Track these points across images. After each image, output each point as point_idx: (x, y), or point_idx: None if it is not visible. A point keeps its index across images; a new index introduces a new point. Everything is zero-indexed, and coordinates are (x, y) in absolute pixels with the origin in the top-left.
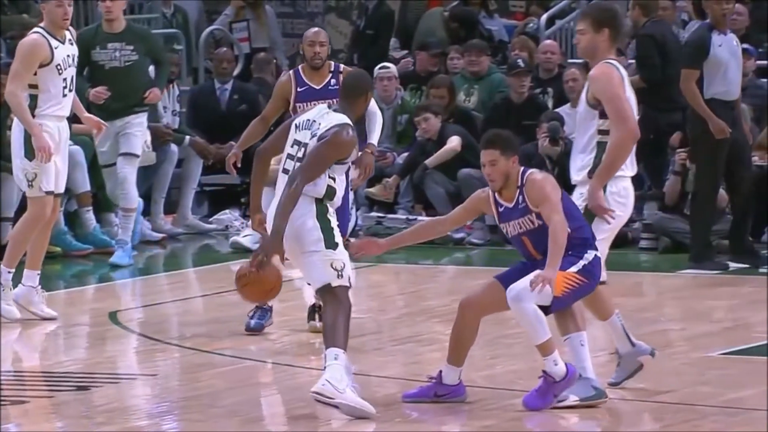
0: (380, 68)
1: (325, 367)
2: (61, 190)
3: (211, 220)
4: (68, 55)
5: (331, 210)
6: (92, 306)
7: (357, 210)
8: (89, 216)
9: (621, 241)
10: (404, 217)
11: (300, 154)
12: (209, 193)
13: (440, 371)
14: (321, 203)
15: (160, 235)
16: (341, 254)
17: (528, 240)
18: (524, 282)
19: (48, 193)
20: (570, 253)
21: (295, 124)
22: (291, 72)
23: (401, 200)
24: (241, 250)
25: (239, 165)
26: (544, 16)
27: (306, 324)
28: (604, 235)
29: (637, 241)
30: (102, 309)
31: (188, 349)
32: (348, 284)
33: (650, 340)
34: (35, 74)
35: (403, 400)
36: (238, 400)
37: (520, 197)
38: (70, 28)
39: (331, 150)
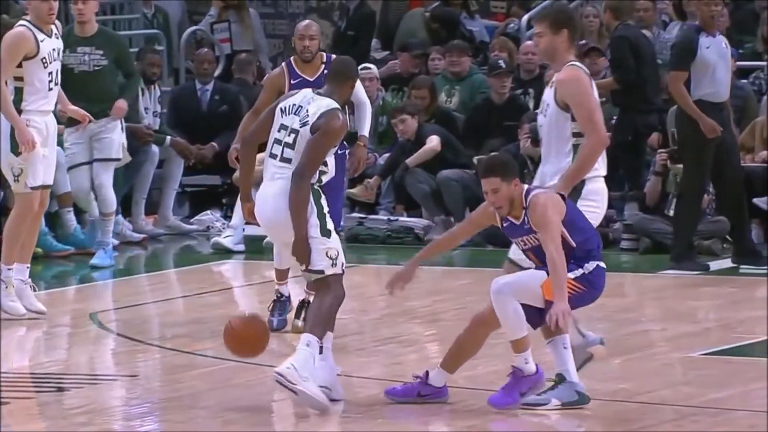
0: (362, 69)
1: (297, 349)
2: (50, 182)
3: (192, 220)
4: (54, 49)
5: (323, 196)
6: (73, 307)
7: None
8: (70, 217)
9: (602, 242)
10: (386, 217)
11: (289, 140)
12: (190, 193)
13: (427, 372)
14: (313, 187)
15: (141, 236)
16: (335, 242)
17: (533, 254)
18: (509, 277)
19: (34, 188)
20: (572, 261)
21: (281, 108)
22: (284, 64)
23: (382, 201)
24: (222, 251)
25: None
26: (525, 17)
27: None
28: None
29: (617, 242)
30: (83, 310)
31: (169, 350)
32: (341, 272)
33: (631, 340)
34: (20, 67)
35: (386, 395)
36: (219, 401)
37: (526, 218)
38: (56, 22)
39: (327, 140)
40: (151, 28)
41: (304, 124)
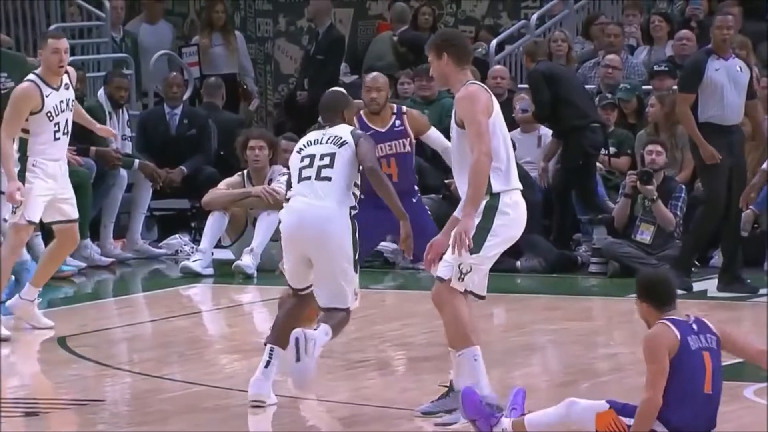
0: None
1: (318, 327)
2: (73, 216)
3: (160, 244)
4: (61, 101)
5: (357, 228)
6: (41, 331)
7: None
8: (38, 241)
9: (571, 266)
10: None
11: (324, 162)
12: (159, 217)
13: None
14: (352, 218)
15: (110, 260)
16: (357, 278)
17: None
18: (588, 406)
19: (30, 223)
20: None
21: (298, 150)
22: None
23: None
24: (190, 275)
25: None
26: (494, 42)
27: (254, 347)
28: (495, 250)
29: (586, 266)
30: (50, 334)
31: (137, 374)
32: (355, 307)
33: (600, 363)
34: (26, 120)
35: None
36: (187, 425)
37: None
38: (69, 69)
39: (372, 143)
40: (119, 52)
41: (342, 144)
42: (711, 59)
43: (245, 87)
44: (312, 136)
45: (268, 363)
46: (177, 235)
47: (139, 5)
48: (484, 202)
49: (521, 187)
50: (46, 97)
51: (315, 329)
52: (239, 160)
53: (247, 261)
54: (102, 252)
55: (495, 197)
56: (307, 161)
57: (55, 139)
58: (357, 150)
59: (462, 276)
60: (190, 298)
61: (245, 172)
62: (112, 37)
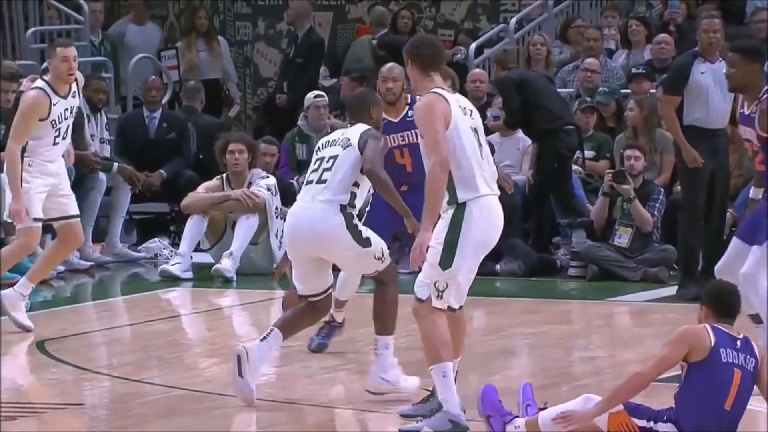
0: (315, 96)
1: (377, 354)
2: (72, 212)
3: (140, 248)
4: (66, 109)
5: (355, 215)
6: (20, 334)
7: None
8: None
9: (550, 269)
10: None
11: (327, 165)
12: (138, 221)
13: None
14: (345, 211)
15: (89, 264)
16: (376, 243)
17: None
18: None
19: (36, 220)
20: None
21: (316, 150)
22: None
23: None
24: (170, 279)
25: None
26: (473, 45)
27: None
28: (468, 261)
29: (565, 269)
30: (30, 337)
31: (116, 378)
32: (389, 261)
33: (579, 367)
34: None
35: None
36: (166, 429)
37: None
38: (78, 75)
39: (381, 143)
40: (98, 55)
41: (347, 146)
42: (697, 62)
43: (227, 92)
44: (331, 135)
45: (264, 338)
46: (156, 239)
47: (118, 8)
48: (450, 212)
49: (495, 191)
50: (54, 105)
51: (377, 352)
52: (218, 164)
53: (227, 264)
54: (81, 256)
55: (461, 207)
56: (316, 164)
57: (54, 143)
58: (363, 151)
59: (440, 294)
60: (170, 301)
61: (224, 175)
62: (90, 41)
